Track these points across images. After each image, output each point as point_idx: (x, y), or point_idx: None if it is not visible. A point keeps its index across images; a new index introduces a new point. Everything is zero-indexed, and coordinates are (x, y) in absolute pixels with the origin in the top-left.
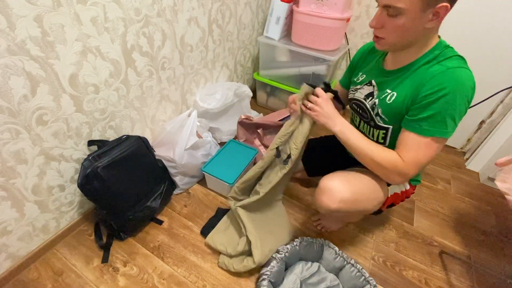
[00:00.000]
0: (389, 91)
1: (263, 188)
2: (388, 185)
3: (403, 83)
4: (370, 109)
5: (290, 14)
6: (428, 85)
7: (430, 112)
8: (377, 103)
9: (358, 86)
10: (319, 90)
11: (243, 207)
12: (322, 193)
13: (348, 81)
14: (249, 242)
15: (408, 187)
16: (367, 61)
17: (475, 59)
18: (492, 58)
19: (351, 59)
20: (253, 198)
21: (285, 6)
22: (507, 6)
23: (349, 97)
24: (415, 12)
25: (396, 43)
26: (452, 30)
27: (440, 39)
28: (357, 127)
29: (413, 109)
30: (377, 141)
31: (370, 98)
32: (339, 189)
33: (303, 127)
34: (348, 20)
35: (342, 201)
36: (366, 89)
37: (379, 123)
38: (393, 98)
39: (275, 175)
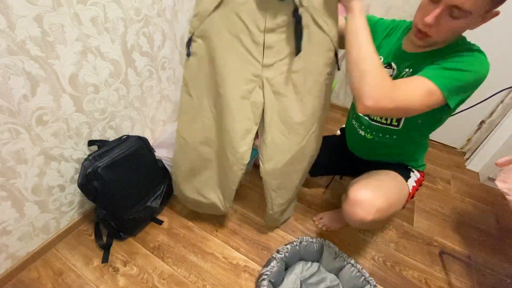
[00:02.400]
0: (407, 70)
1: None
2: (406, 180)
3: (422, 63)
4: None
5: None
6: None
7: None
8: None
9: None
10: None
11: None
12: (355, 205)
13: None
14: None
15: (418, 175)
16: (387, 41)
17: None
18: (492, 58)
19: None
20: None
21: None
22: (508, 5)
23: None
24: (477, 15)
25: (439, 42)
26: None
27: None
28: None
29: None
30: (390, 124)
31: None
32: (372, 198)
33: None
34: None
35: (378, 211)
36: None
37: None
38: (410, 72)
39: None
